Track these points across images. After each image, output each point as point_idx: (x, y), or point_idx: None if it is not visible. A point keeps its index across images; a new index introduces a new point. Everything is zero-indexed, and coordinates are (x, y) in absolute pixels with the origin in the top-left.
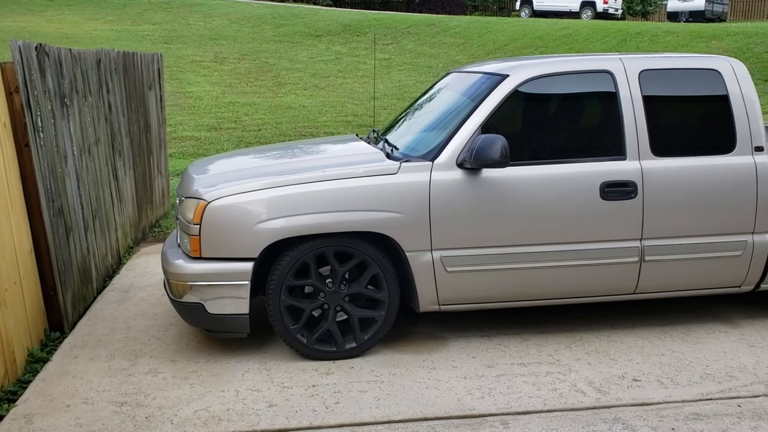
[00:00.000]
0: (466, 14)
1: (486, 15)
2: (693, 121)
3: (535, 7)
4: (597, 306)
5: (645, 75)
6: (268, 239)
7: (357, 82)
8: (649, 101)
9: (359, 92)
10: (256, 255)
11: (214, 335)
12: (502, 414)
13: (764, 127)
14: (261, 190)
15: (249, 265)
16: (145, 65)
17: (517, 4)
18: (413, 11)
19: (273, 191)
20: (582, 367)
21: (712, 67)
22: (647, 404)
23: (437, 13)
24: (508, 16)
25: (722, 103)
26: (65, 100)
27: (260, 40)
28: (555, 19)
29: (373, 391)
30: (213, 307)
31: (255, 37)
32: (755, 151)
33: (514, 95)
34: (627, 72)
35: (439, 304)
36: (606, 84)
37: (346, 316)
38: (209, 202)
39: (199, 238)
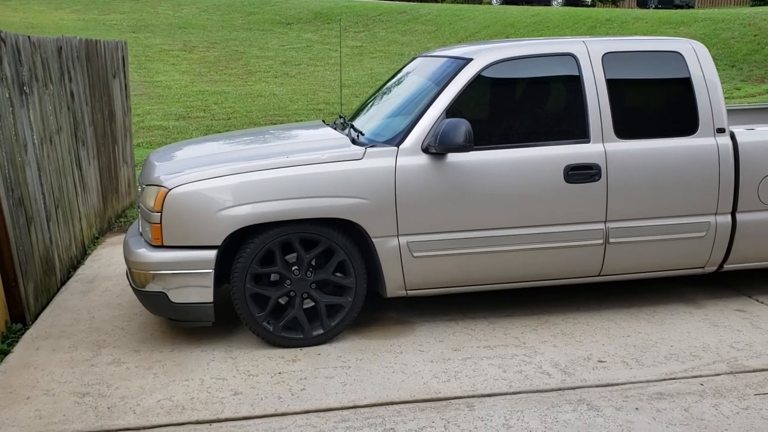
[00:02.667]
0: (438, 2)
1: (457, 2)
2: (656, 104)
3: None
4: (563, 288)
5: (608, 58)
6: (231, 227)
7: (329, 69)
8: (612, 84)
9: (331, 80)
10: (219, 243)
11: (179, 324)
12: (468, 396)
13: (726, 110)
14: (223, 176)
15: (212, 253)
16: (109, 53)
17: None
18: None
19: (235, 178)
20: (548, 349)
21: (674, 50)
22: (612, 385)
23: (409, 0)
24: (480, 3)
25: (684, 85)
26: (24, 88)
27: (230, 28)
28: (526, 6)
29: (340, 377)
30: (176, 296)
31: (224, 26)
32: (717, 132)
33: (479, 79)
34: (590, 55)
35: (406, 289)
36: (569, 67)
37: (313, 303)
38: (170, 190)
39: (161, 226)
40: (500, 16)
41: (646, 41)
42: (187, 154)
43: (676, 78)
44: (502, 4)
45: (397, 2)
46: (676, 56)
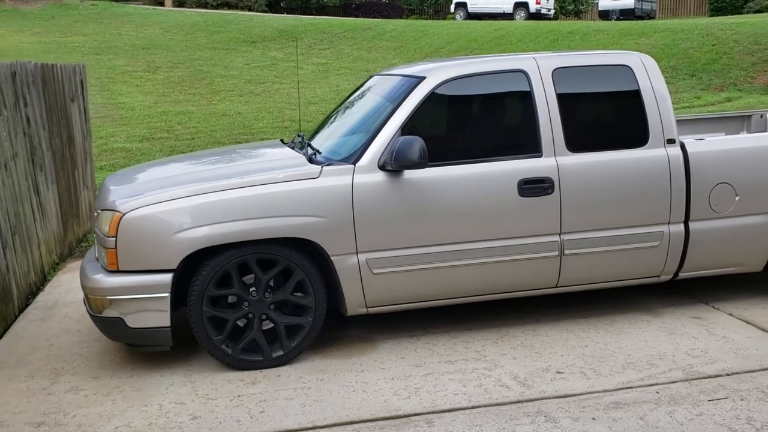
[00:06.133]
0: (402, 18)
1: (422, 18)
2: (606, 117)
3: (470, 9)
4: (523, 300)
5: (558, 73)
6: (186, 249)
7: (294, 87)
8: (563, 98)
9: (296, 97)
10: (174, 266)
11: (137, 350)
12: (428, 413)
13: (675, 121)
14: (177, 199)
15: (168, 277)
16: (67, 77)
17: (452, 6)
18: (349, 16)
19: (190, 200)
20: (507, 362)
21: (623, 63)
22: (570, 395)
23: (374, 17)
24: (444, 18)
25: (634, 97)
26: None
27: (194, 47)
28: (489, 21)
29: (300, 398)
30: (133, 321)
31: (188, 45)
32: (667, 143)
33: (432, 97)
34: (541, 71)
35: (366, 307)
36: (521, 83)
37: (272, 325)
38: (124, 214)
39: (116, 251)
40: (464, 31)
41: (595, 56)
42: (141, 177)
43: (626, 91)
44: (466, 18)
45: (362, 19)
46: (625, 70)
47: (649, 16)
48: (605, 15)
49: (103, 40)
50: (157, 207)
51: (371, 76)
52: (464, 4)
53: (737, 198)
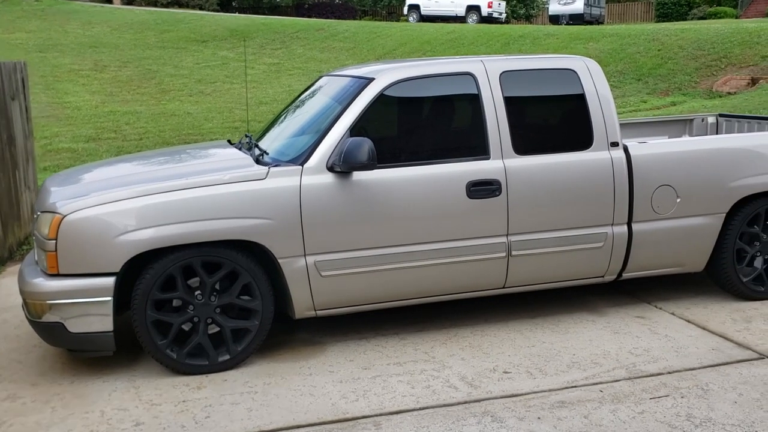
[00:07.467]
0: (355, 19)
1: (375, 19)
2: (552, 120)
3: (423, 12)
4: (473, 301)
5: (505, 76)
6: (129, 252)
7: (245, 87)
8: (510, 101)
9: (247, 97)
10: (117, 269)
11: (79, 355)
12: (375, 415)
13: (619, 124)
14: (120, 201)
15: (110, 280)
16: (6, 74)
17: (405, 8)
18: (302, 16)
19: (133, 201)
20: (456, 362)
21: (568, 67)
22: (516, 395)
23: (327, 17)
24: (397, 20)
25: (579, 101)
26: None
27: (143, 46)
28: (442, 24)
29: (246, 403)
30: (74, 326)
31: (137, 44)
32: (611, 146)
33: (381, 98)
34: (488, 73)
35: (315, 310)
36: (469, 86)
37: (218, 328)
38: (65, 216)
39: (56, 254)
40: (417, 33)
41: (541, 60)
42: (83, 178)
43: (571, 95)
44: (419, 21)
45: (315, 19)
46: (571, 74)
47: (597, 21)
48: (555, 19)
49: (48, 37)
50: (99, 209)
51: (321, 77)
52: (417, 7)
53: (678, 200)
